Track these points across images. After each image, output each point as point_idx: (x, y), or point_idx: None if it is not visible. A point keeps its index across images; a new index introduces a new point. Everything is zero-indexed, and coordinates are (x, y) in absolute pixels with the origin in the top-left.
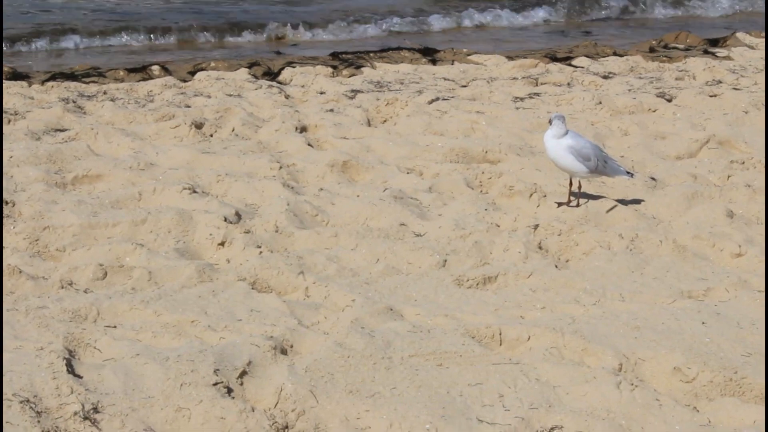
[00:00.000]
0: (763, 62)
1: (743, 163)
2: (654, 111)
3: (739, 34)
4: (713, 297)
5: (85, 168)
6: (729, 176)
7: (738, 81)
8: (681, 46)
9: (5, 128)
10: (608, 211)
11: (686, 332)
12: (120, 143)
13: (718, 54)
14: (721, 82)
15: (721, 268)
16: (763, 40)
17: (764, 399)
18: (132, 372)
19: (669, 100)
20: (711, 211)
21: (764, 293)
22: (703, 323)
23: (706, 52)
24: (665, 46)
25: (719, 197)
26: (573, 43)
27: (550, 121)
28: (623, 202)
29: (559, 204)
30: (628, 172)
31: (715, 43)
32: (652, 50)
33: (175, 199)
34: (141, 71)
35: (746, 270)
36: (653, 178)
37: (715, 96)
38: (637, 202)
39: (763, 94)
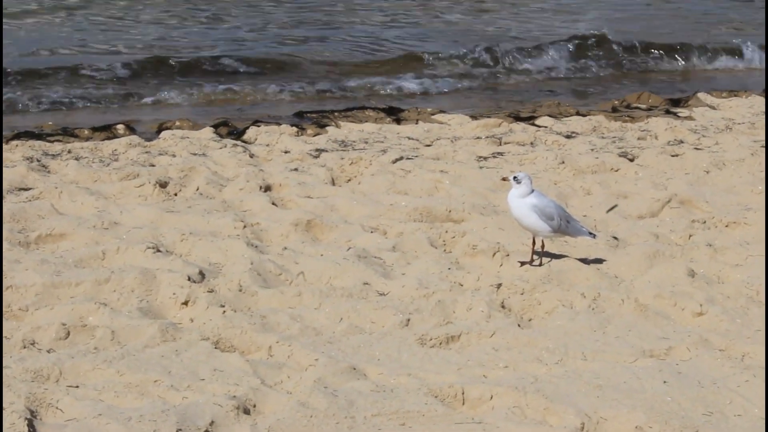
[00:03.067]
0: (724, 122)
1: (704, 222)
2: (616, 170)
3: (701, 94)
4: (675, 356)
5: (49, 227)
6: (690, 235)
7: (699, 141)
8: (643, 106)
9: None
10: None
11: (648, 391)
12: (84, 202)
13: (679, 114)
14: (682, 141)
15: (682, 327)
16: (725, 100)
17: None
18: None
19: (631, 160)
20: (672, 270)
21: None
22: (664, 382)
23: (668, 112)
24: (627, 106)
25: (681, 256)
26: (537, 102)
27: (515, 178)
28: (586, 261)
29: (522, 263)
30: (591, 233)
31: (676, 103)
32: (614, 110)
33: (139, 258)
34: (106, 130)
35: (707, 329)
36: (615, 238)
37: (676, 156)
38: (600, 261)
39: (724, 154)
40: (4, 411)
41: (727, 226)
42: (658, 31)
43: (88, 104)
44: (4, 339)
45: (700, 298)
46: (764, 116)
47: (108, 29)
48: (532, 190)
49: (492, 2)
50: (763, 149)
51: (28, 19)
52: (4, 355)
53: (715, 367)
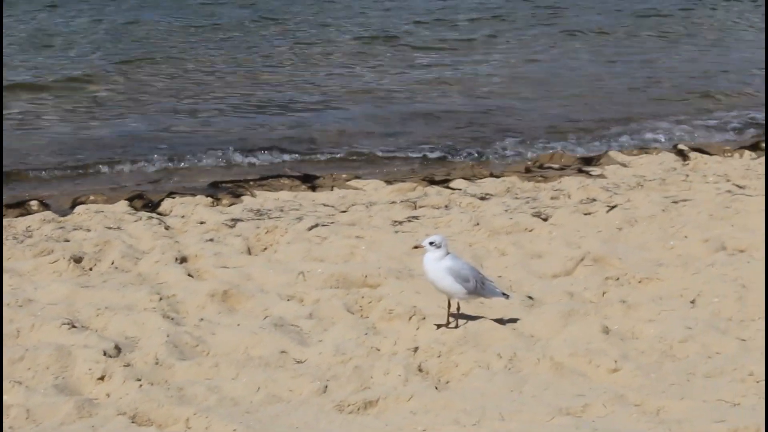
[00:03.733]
0: (635, 180)
1: (618, 279)
2: (530, 230)
3: (612, 153)
4: (591, 413)
5: None
6: (604, 293)
7: (611, 198)
8: (556, 166)
9: None
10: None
11: None
12: None
13: (592, 173)
14: (595, 200)
15: (598, 384)
16: (635, 157)
17: None
18: None
19: (545, 219)
20: (587, 327)
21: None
22: None
23: (580, 170)
24: (540, 166)
25: (595, 314)
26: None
27: (431, 243)
28: (502, 321)
29: (439, 326)
30: (504, 293)
31: (588, 161)
32: (527, 170)
33: (54, 334)
34: (19, 206)
35: (622, 385)
36: (530, 297)
37: (589, 214)
38: (515, 321)
39: (636, 210)
40: None
41: (640, 282)
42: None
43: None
44: None
45: (615, 354)
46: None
47: None
48: (447, 253)
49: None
50: (675, 205)
51: None
52: None
53: (630, 422)
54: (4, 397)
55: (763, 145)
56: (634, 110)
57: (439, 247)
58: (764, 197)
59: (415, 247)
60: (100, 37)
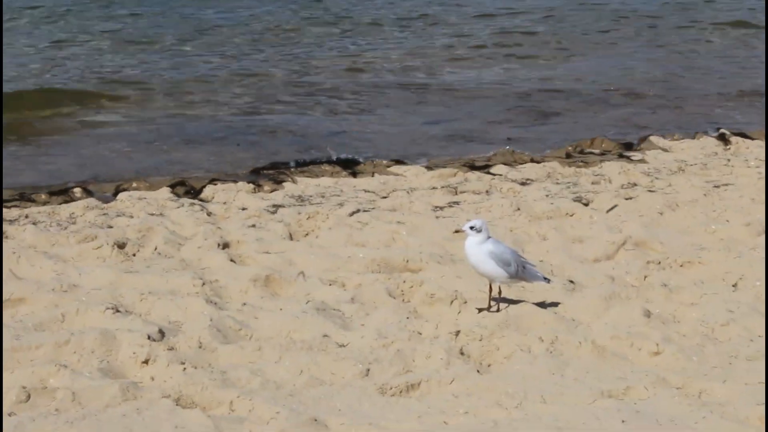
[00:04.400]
0: (677, 164)
1: (659, 263)
2: (571, 215)
3: (653, 138)
4: (632, 396)
5: (8, 292)
6: (645, 276)
7: (653, 183)
8: (597, 151)
9: None
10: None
11: (607, 431)
12: (42, 266)
13: (632, 158)
14: (636, 184)
15: (639, 367)
16: (677, 142)
17: None
18: None
19: (586, 204)
20: (628, 311)
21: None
22: (623, 422)
23: (621, 156)
24: (581, 152)
25: (636, 297)
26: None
27: (472, 227)
28: (543, 305)
29: (480, 309)
30: (546, 278)
31: (629, 146)
32: (568, 156)
33: (99, 319)
34: (63, 194)
35: (664, 368)
36: (572, 281)
37: (630, 198)
38: (557, 304)
39: (677, 195)
40: None
41: (681, 266)
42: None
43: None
44: None
45: (657, 337)
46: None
47: None
48: (489, 237)
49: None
50: (716, 189)
51: None
52: None
53: (672, 405)
54: (51, 380)
55: None
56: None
57: (479, 231)
58: None
59: (456, 231)
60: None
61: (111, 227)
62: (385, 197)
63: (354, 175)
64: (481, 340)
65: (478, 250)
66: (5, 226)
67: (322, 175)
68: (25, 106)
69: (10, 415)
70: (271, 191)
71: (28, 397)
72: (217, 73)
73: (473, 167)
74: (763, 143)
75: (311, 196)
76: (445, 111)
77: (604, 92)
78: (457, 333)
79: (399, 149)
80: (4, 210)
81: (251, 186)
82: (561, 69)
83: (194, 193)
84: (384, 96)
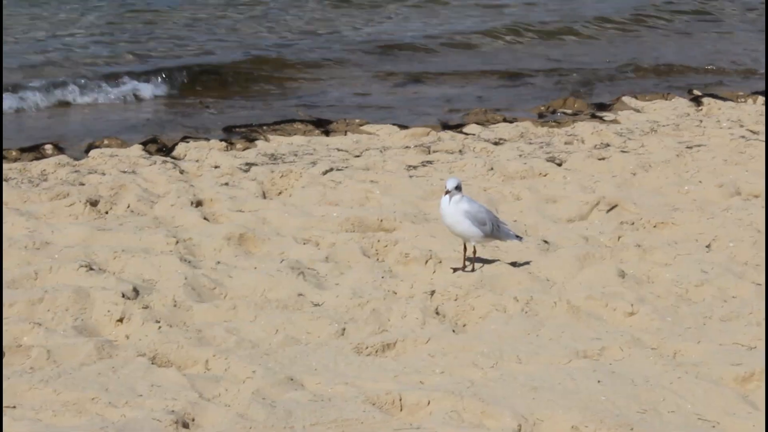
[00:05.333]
0: (649, 125)
1: (633, 223)
2: (545, 175)
3: (625, 98)
4: (608, 356)
5: None
6: (619, 237)
7: (625, 144)
8: (569, 111)
9: None
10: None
11: (582, 391)
12: (14, 223)
13: (605, 118)
14: (609, 145)
15: (614, 327)
16: (649, 103)
17: None
18: None
19: (559, 164)
20: (603, 271)
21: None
22: (598, 382)
23: (593, 116)
24: (553, 112)
25: (610, 258)
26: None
27: (456, 188)
28: (517, 265)
29: (455, 269)
30: (518, 236)
31: (602, 107)
32: (541, 116)
33: (72, 277)
34: (34, 150)
35: (639, 328)
36: (546, 241)
37: (603, 159)
38: (531, 265)
39: (650, 155)
40: None
41: (655, 226)
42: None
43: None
44: None
45: (631, 298)
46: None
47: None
48: (462, 196)
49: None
50: (689, 150)
51: None
52: None
53: (647, 365)
54: (25, 338)
55: None
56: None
57: (460, 189)
58: None
59: (447, 193)
60: None
61: (83, 184)
62: (358, 156)
63: (327, 133)
64: (456, 300)
65: (453, 210)
66: None
67: (295, 134)
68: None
69: None
70: (244, 149)
71: (2, 355)
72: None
73: (446, 126)
74: (735, 104)
75: (284, 155)
76: (415, 72)
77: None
78: (432, 293)
79: (369, 114)
80: None
81: (224, 144)
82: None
83: (166, 150)
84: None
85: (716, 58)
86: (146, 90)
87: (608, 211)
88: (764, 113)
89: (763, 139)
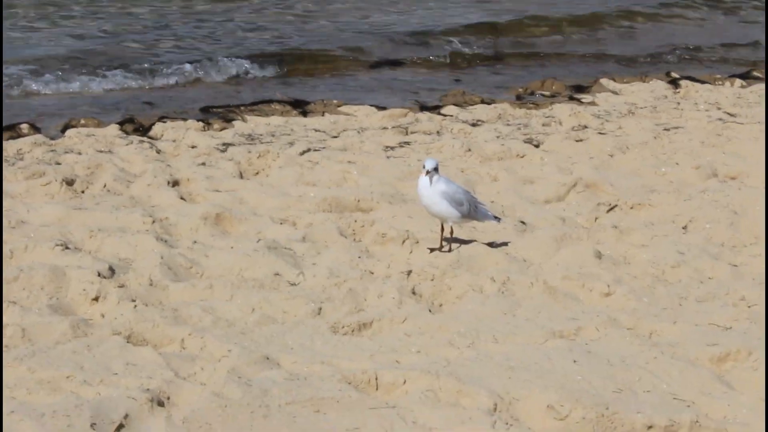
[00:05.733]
0: (627, 107)
1: (610, 205)
2: (522, 157)
3: (603, 80)
4: (584, 336)
5: None
6: (596, 218)
7: (603, 126)
8: (547, 93)
9: None
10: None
11: (558, 371)
12: None
13: (583, 100)
14: (586, 127)
15: (590, 307)
16: (627, 85)
17: None
18: (8, 429)
19: (537, 146)
20: (580, 252)
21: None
22: (574, 362)
23: (571, 98)
24: (531, 93)
25: (587, 239)
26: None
27: (434, 169)
28: (494, 245)
29: (432, 249)
30: (496, 217)
31: (579, 89)
32: (519, 98)
33: (48, 255)
34: (10, 130)
35: (615, 309)
36: (523, 222)
37: (581, 141)
38: (508, 245)
39: (627, 138)
40: None
41: (632, 208)
42: None
43: None
44: None
45: (608, 278)
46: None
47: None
48: (439, 177)
49: None
50: (666, 132)
51: None
52: None
53: (623, 345)
54: None
55: (755, 73)
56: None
57: (437, 171)
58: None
59: (427, 173)
60: None
61: (59, 164)
62: (335, 137)
63: (304, 114)
64: (432, 280)
65: (431, 191)
66: None
67: (273, 114)
68: None
69: None
70: (221, 129)
71: (1, 342)
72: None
73: (424, 108)
74: (712, 87)
75: (261, 135)
76: (390, 55)
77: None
78: (409, 272)
79: (348, 96)
80: None
81: (201, 124)
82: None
83: (143, 130)
84: (330, 42)
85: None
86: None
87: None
88: (742, 96)
89: (741, 121)
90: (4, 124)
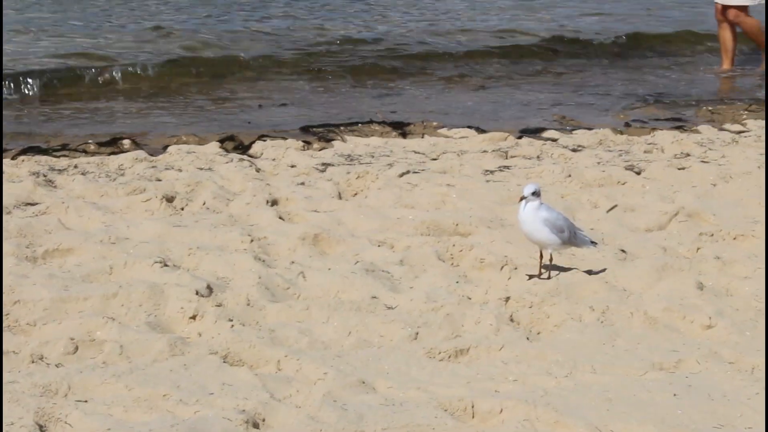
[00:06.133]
0: (730, 136)
1: (712, 235)
2: (623, 183)
3: (706, 108)
4: (684, 369)
5: (56, 242)
6: (698, 248)
7: (706, 154)
8: (648, 120)
9: None
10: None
11: (658, 404)
12: (91, 217)
13: (685, 127)
14: (689, 155)
15: (691, 339)
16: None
17: None
18: None
19: (638, 173)
20: (681, 283)
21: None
22: (674, 395)
23: (673, 125)
24: (633, 120)
25: (689, 269)
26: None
27: (533, 194)
28: (594, 273)
29: (530, 276)
30: (593, 242)
31: (682, 117)
32: (620, 124)
33: (147, 272)
34: (111, 144)
35: (717, 341)
36: (623, 251)
37: (683, 169)
38: (608, 274)
39: (731, 166)
40: (12, 425)
41: (735, 238)
42: None
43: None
44: (12, 354)
45: (710, 311)
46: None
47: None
48: (541, 204)
49: None
50: None
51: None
52: (12, 370)
53: (725, 379)
54: (98, 333)
55: None
56: None
57: (539, 195)
58: None
59: (522, 199)
60: None
61: (159, 180)
62: (434, 159)
63: (404, 135)
64: (531, 308)
65: (533, 217)
66: (54, 175)
67: (372, 135)
68: None
69: (57, 366)
70: (321, 149)
71: (76, 348)
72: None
73: (524, 131)
74: None
75: (360, 156)
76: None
77: None
78: (507, 299)
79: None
80: (53, 159)
81: (300, 143)
82: None
83: (243, 148)
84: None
85: None
86: None
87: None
88: None
89: None
90: (105, 140)
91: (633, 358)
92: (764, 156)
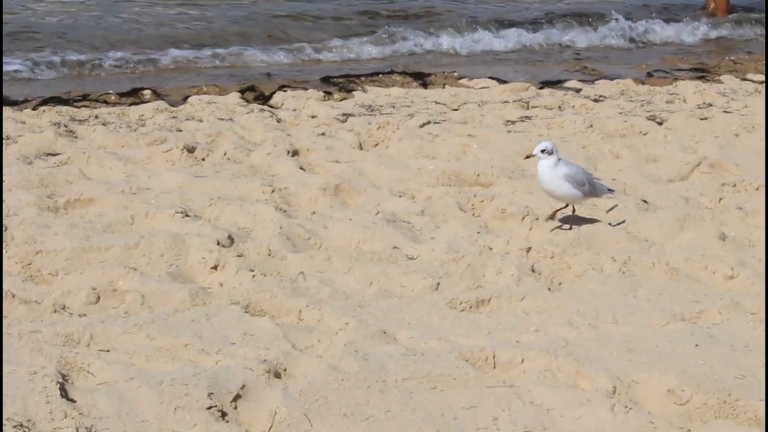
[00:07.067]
0: (753, 86)
1: (735, 185)
2: (645, 134)
3: (728, 58)
4: (706, 319)
5: (78, 192)
6: (720, 199)
7: (728, 104)
8: (671, 70)
9: None
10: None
11: (679, 355)
12: (112, 167)
13: (707, 78)
14: (711, 105)
15: (713, 290)
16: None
17: (757, 421)
18: (126, 396)
19: (660, 123)
20: (703, 233)
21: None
22: (696, 346)
23: (696, 76)
24: (655, 70)
25: (711, 220)
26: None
27: (543, 151)
28: (615, 224)
29: (553, 215)
30: (610, 189)
31: (704, 67)
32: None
33: (168, 222)
34: (132, 95)
35: (739, 292)
36: (645, 201)
37: (705, 119)
38: (629, 224)
39: (754, 117)
40: (35, 374)
41: (757, 189)
42: None
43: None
44: (35, 303)
45: (732, 261)
46: None
47: None
48: (559, 159)
49: None
50: None
51: None
52: (35, 319)
53: (746, 330)
54: (120, 283)
55: None
56: None
57: (551, 153)
58: None
59: (527, 157)
60: None
61: (180, 131)
62: (455, 110)
63: (425, 86)
64: (552, 258)
65: (552, 174)
66: (75, 126)
67: (393, 86)
68: None
69: (80, 315)
70: (341, 100)
71: (98, 298)
72: None
73: (545, 82)
74: None
75: (381, 106)
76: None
77: None
78: (528, 249)
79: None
80: (74, 109)
81: (321, 94)
82: None
83: (264, 98)
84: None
85: None
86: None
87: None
88: None
89: None
90: (126, 90)
91: (655, 308)
92: None
